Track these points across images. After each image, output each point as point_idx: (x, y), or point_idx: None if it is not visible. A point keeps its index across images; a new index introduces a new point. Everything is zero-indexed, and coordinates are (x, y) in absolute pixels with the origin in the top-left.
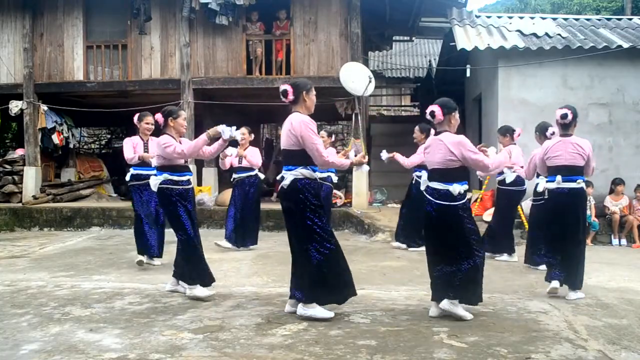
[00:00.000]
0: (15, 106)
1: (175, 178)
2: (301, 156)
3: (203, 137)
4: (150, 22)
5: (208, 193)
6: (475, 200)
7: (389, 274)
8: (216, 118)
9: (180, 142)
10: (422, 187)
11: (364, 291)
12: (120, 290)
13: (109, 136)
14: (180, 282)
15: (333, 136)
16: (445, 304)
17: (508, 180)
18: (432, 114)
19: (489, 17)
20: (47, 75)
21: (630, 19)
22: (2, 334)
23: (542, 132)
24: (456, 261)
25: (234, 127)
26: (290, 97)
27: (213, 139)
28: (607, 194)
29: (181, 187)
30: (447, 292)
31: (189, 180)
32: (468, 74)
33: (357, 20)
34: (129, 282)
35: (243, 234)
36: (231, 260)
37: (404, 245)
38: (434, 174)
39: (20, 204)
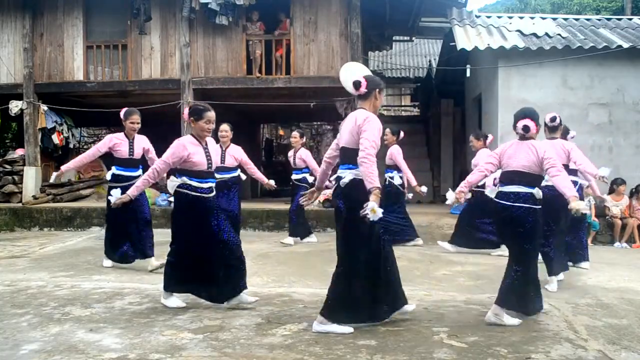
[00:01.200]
0: (15, 106)
1: (195, 184)
2: None
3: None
4: (150, 22)
5: None
6: None
7: None
8: (216, 118)
9: (206, 147)
10: (492, 194)
11: None
12: (120, 290)
13: None
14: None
15: (304, 137)
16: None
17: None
18: (527, 129)
19: (489, 17)
20: (47, 75)
21: (630, 19)
22: (2, 334)
23: (563, 135)
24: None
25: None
26: (363, 90)
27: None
28: (607, 193)
29: (201, 194)
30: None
31: (210, 187)
32: (468, 74)
33: (357, 20)
34: (129, 282)
35: None
36: None
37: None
38: (513, 177)
39: (20, 204)
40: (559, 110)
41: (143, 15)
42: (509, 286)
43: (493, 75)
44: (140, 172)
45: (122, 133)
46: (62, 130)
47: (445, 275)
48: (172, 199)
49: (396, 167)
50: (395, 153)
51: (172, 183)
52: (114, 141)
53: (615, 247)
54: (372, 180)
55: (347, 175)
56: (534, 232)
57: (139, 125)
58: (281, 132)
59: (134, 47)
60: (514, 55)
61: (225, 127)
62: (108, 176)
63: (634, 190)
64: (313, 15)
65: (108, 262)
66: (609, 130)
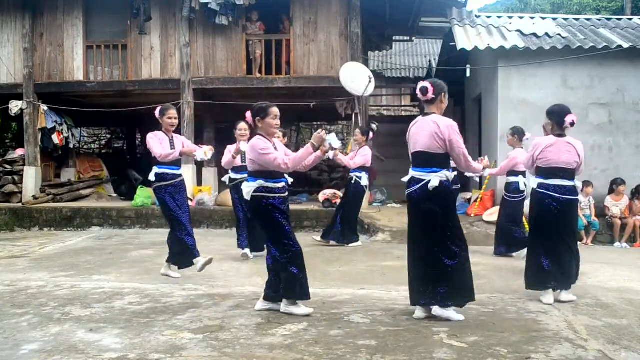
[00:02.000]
0: (15, 106)
1: (271, 185)
2: (445, 159)
3: (308, 147)
4: (150, 22)
5: (208, 193)
6: (475, 200)
7: (389, 274)
8: (216, 118)
9: (274, 146)
10: (535, 185)
11: (364, 291)
12: (120, 290)
13: (109, 136)
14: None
15: (286, 138)
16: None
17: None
18: (573, 123)
19: (489, 17)
20: (47, 75)
21: (630, 19)
22: (2, 334)
23: (519, 138)
24: (569, 250)
25: (335, 136)
26: (431, 95)
27: (317, 149)
28: (607, 194)
29: (277, 195)
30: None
31: (284, 187)
32: (468, 74)
33: (357, 20)
34: (129, 282)
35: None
36: (231, 260)
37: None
38: (559, 173)
39: (20, 204)
40: None
41: (143, 15)
42: (575, 264)
43: (493, 75)
44: (181, 170)
45: (160, 131)
46: (62, 130)
47: None
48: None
49: (364, 168)
50: (369, 155)
51: (248, 189)
52: (160, 137)
53: (615, 247)
54: (477, 169)
55: (433, 179)
56: (577, 217)
57: (177, 121)
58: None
59: (134, 47)
60: (514, 55)
61: (244, 125)
62: (151, 177)
63: (634, 190)
64: (313, 15)
65: (176, 274)
66: (609, 130)
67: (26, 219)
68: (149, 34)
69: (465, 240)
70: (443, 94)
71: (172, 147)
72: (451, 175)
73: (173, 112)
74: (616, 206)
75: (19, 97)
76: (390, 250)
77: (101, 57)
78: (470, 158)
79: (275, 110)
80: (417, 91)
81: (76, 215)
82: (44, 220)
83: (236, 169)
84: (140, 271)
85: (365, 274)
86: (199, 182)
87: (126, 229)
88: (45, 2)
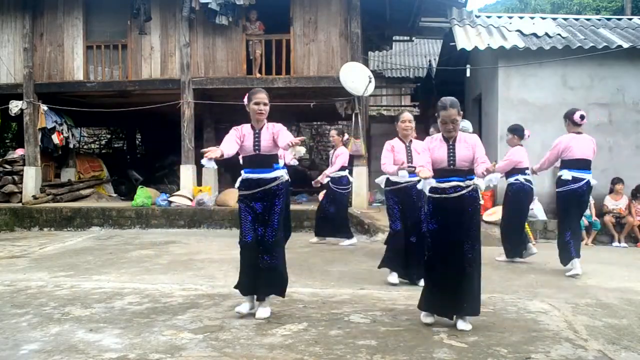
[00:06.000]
0: (15, 106)
1: (434, 184)
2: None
3: None
4: (150, 22)
5: (208, 193)
6: None
7: None
8: (216, 118)
9: (452, 144)
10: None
11: (364, 291)
12: (120, 290)
13: (109, 136)
14: None
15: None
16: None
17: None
18: (583, 117)
19: (489, 17)
20: (47, 75)
21: (630, 19)
22: (2, 334)
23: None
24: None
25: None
26: (585, 121)
27: None
28: (607, 193)
29: (439, 195)
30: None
31: (454, 187)
32: (468, 74)
33: (357, 20)
34: (129, 282)
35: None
36: (231, 260)
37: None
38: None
39: (20, 204)
40: (558, 110)
41: (143, 15)
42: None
43: (493, 75)
44: (276, 173)
45: (249, 124)
46: (62, 130)
47: None
48: (172, 199)
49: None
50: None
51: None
52: (241, 132)
53: (615, 247)
54: None
55: (592, 179)
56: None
57: (267, 108)
58: None
59: (134, 47)
60: (514, 55)
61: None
62: (237, 182)
63: (634, 191)
64: (313, 15)
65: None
66: (609, 130)
67: (26, 219)
68: (149, 34)
69: None
70: None
71: (257, 144)
72: None
73: (261, 96)
74: (615, 206)
75: (19, 97)
76: None
77: (101, 57)
78: None
79: (447, 112)
80: (577, 118)
81: (76, 215)
82: (44, 220)
83: None
84: (140, 271)
85: (365, 274)
86: (199, 182)
87: (126, 229)
88: (45, 2)
